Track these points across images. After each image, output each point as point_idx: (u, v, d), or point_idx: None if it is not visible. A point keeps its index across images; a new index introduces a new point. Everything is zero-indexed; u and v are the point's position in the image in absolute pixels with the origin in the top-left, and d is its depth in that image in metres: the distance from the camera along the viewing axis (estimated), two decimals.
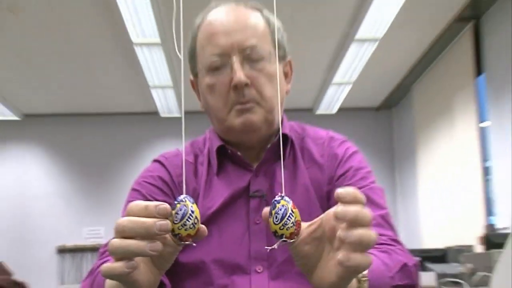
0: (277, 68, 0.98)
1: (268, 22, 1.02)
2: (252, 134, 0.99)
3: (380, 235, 0.88)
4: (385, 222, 0.95)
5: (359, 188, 0.91)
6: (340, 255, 0.61)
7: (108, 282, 0.73)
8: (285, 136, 1.02)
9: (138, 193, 0.99)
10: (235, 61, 0.95)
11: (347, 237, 0.61)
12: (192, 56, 1.03)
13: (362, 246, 0.61)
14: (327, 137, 1.06)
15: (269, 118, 0.98)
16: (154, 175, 1.02)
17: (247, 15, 0.99)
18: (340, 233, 0.62)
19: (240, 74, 0.94)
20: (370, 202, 0.94)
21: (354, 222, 0.61)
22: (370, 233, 0.61)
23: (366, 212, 0.62)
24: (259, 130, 0.98)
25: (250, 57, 0.96)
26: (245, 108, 0.96)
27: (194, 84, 1.06)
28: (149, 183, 1.01)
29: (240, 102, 0.96)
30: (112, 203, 5.99)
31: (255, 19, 0.99)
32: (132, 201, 0.95)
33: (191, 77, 1.06)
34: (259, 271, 0.94)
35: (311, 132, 1.08)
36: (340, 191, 0.63)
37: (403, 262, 0.86)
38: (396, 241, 0.93)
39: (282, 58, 1.03)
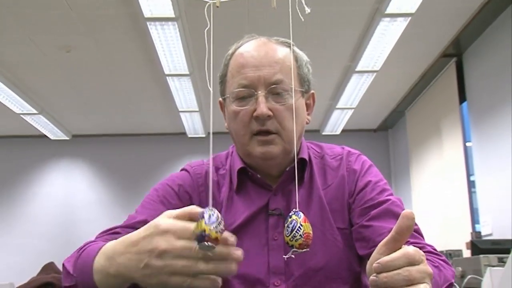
0: (297, 102, 0.92)
1: (296, 58, 0.95)
2: (270, 162, 0.93)
3: (420, 246, 0.79)
4: (416, 233, 0.88)
5: (381, 202, 0.90)
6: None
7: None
8: (303, 159, 0.97)
9: (156, 192, 0.95)
10: (260, 94, 0.89)
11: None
12: (222, 81, 0.97)
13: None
14: (344, 152, 1.01)
15: (287, 148, 0.91)
16: (177, 181, 0.97)
17: (276, 50, 0.92)
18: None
19: (263, 107, 0.88)
20: (396, 216, 0.83)
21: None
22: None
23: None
24: (277, 159, 0.92)
25: (274, 90, 0.89)
26: (267, 140, 0.90)
27: (222, 106, 0.99)
28: (169, 185, 0.96)
29: (260, 131, 0.90)
30: None
31: (284, 54, 0.92)
32: (149, 198, 0.94)
33: (220, 99, 0.99)
34: (277, 284, 0.88)
35: (328, 150, 1.02)
36: (374, 265, 0.59)
37: (450, 281, 0.80)
38: (438, 253, 0.87)
39: (306, 91, 0.96)
